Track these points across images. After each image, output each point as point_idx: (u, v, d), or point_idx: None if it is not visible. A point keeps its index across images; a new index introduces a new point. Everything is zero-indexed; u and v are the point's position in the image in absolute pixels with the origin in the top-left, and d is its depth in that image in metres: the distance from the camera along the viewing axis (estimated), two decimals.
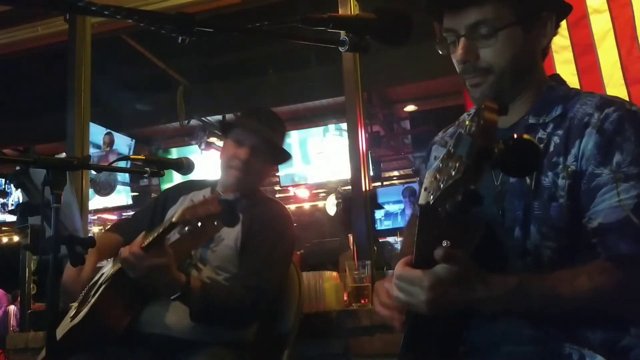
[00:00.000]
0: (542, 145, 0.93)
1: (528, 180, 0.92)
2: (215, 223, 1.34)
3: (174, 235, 1.42)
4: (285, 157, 1.70)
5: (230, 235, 1.55)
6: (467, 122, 0.66)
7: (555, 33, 1.02)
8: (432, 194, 0.66)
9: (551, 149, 0.93)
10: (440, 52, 1.01)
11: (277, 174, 5.46)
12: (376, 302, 0.98)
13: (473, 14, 0.94)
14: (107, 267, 1.57)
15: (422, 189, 0.70)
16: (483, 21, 0.93)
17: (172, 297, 1.37)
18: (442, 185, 0.64)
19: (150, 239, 1.33)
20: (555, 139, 0.93)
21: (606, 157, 0.88)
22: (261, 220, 1.57)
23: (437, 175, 0.66)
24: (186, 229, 1.38)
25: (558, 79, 1.03)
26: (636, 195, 0.86)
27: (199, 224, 1.30)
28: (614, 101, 0.93)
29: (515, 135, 0.63)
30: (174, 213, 1.30)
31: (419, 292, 0.79)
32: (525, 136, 0.63)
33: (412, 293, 0.80)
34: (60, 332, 1.41)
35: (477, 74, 0.96)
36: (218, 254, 1.54)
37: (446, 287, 0.79)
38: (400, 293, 0.82)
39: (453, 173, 0.63)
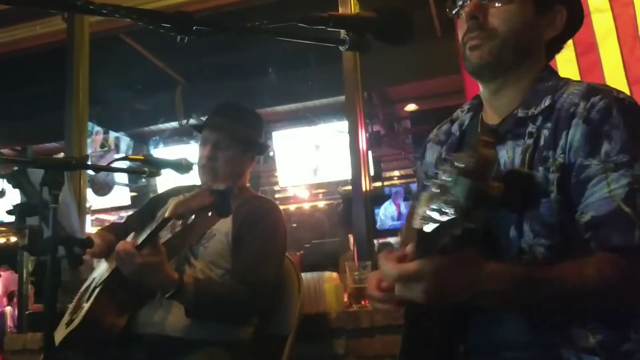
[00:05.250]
0: (532, 140, 0.91)
1: None
2: (210, 214, 1.34)
3: (165, 234, 1.42)
4: (255, 146, 1.71)
5: (221, 231, 1.56)
6: (462, 155, 0.64)
7: (567, 35, 1.02)
8: (427, 223, 0.67)
9: (541, 143, 0.90)
10: (448, 14, 1.00)
11: (276, 174, 5.45)
12: (370, 295, 0.97)
13: None
14: (99, 270, 1.57)
15: (416, 214, 0.69)
16: None
17: (166, 296, 1.37)
18: (437, 219, 0.65)
19: (144, 236, 1.32)
20: (545, 132, 0.90)
21: (594, 147, 0.86)
22: (253, 215, 1.58)
23: (431, 205, 0.66)
24: (179, 223, 1.37)
25: (549, 69, 1.01)
26: (626, 183, 0.83)
27: (193, 217, 1.30)
28: (601, 89, 0.91)
29: (511, 172, 0.63)
30: (166, 208, 1.30)
31: (416, 285, 0.74)
32: (520, 170, 0.63)
33: (411, 288, 0.75)
34: (56, 339, 1.40)
35: (480, 33, 0.95)
36: (210, 250, 1.54)
37: (446, 275, 0.73)
38: (399, 291, 0.78)
39: (451, 212, 0.63)
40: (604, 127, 0.86)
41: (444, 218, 0.64)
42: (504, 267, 0.79)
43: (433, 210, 0.66)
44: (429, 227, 0.66)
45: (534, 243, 0.88)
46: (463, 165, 0.63)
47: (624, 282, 0.82)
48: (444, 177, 0.66)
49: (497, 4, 0.95)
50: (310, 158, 5.07)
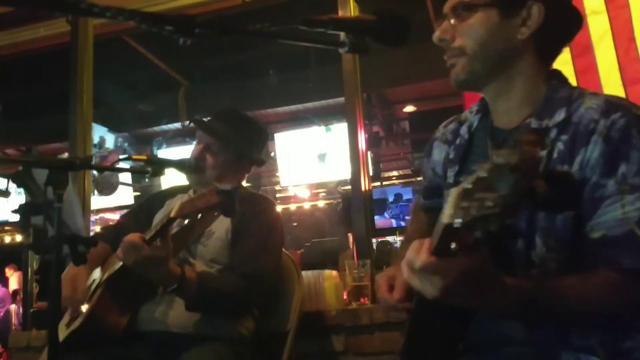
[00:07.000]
0: (545, 152, 0.90)
1: None
2: (215, 214, 1.36)
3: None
4: (249, 158, 1.70)
5: (220, 229, 1.57)
6: (504, 152, 0.63)
7: (557, 27, 0.99)
8: (458, 217, 0.65)
9: (555, 155, 0.90)
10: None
11: (277, 174, 5.47)
12: (380, 296, 0.97)
13: None
14: (97, 274, 1.58)
15: (446, 208, 0.67)
16: (461, 2, 0.97)
17: (168, 290, 1.38)
18: (473, 212, 0.64)
19: (152, 233, 1.33)
20: (560, 145, 0.90)
21: (612, 167, 0.86)
22: (251, 213, 1.59)
23: (466, 200, 0.65)
24: (186, 222, 1.38)
25: (559, 77, 1.01)
26: None
27: (199, 216, 1.32)
28: (620, 105, 0.90)
29: (552, 172, 0.61)
30: (172, 209, 1.31)
31: (435, 280, 0.72)
32: (562, 170, 0.61)
33: (429, 280, 0.73)
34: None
35: (451, 54, 0.99)
36: (209, 248, 1.55)
37: (467, 279, 0.72)
38: (414, 280, 0.75)
39: (490, 205, 0.62)
40: (622, 146, 0.86)
41: (482, 212, 0.62)
42: (515, 282, 0.79)
43: (468, 205, 0.64)
44: (459, 222, 0.65)
45: (547, 257, 0.88)
46: (506, 161, 0.62)
47: (623, 303, 0.83)
48: (479, 173, 0.64)
49: (461, 22, 0.97)
50: (311, 158, 5.08)
